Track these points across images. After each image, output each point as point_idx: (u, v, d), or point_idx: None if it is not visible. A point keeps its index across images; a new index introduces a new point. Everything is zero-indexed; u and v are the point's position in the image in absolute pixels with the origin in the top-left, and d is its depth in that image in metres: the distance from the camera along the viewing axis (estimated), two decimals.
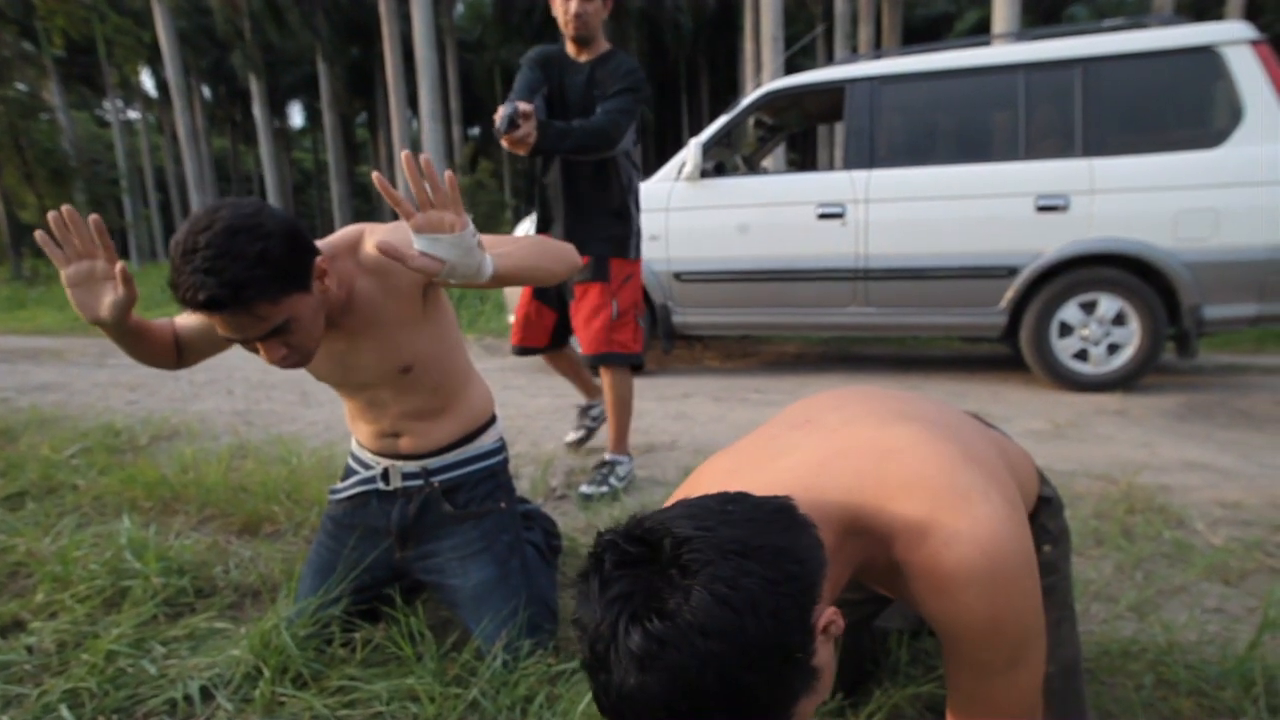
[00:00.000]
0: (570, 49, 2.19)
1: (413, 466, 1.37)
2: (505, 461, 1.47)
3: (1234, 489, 2.19)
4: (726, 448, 0.95)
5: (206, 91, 27.82)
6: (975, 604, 0.70)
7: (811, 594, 0.62)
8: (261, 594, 1.61)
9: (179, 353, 1.31)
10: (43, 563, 1.67)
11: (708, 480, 0.89)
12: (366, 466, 1.41)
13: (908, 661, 1.25)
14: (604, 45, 2.19)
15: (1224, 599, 1.52)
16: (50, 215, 1.07)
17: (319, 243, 1.19)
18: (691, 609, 0.56)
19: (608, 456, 2.38)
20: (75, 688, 1.25)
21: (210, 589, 1.63)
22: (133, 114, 29.20)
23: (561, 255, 1.30)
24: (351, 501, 1.41)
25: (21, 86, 16.56)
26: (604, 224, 2.25)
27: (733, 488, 0.76)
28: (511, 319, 4.58)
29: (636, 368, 2.36)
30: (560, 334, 2.52)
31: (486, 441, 1.43)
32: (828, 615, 0.63)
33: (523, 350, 2.52)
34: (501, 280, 1.16)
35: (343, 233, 1.25)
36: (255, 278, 0.99)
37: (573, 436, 2.77)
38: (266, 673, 1.24)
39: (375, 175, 1.04)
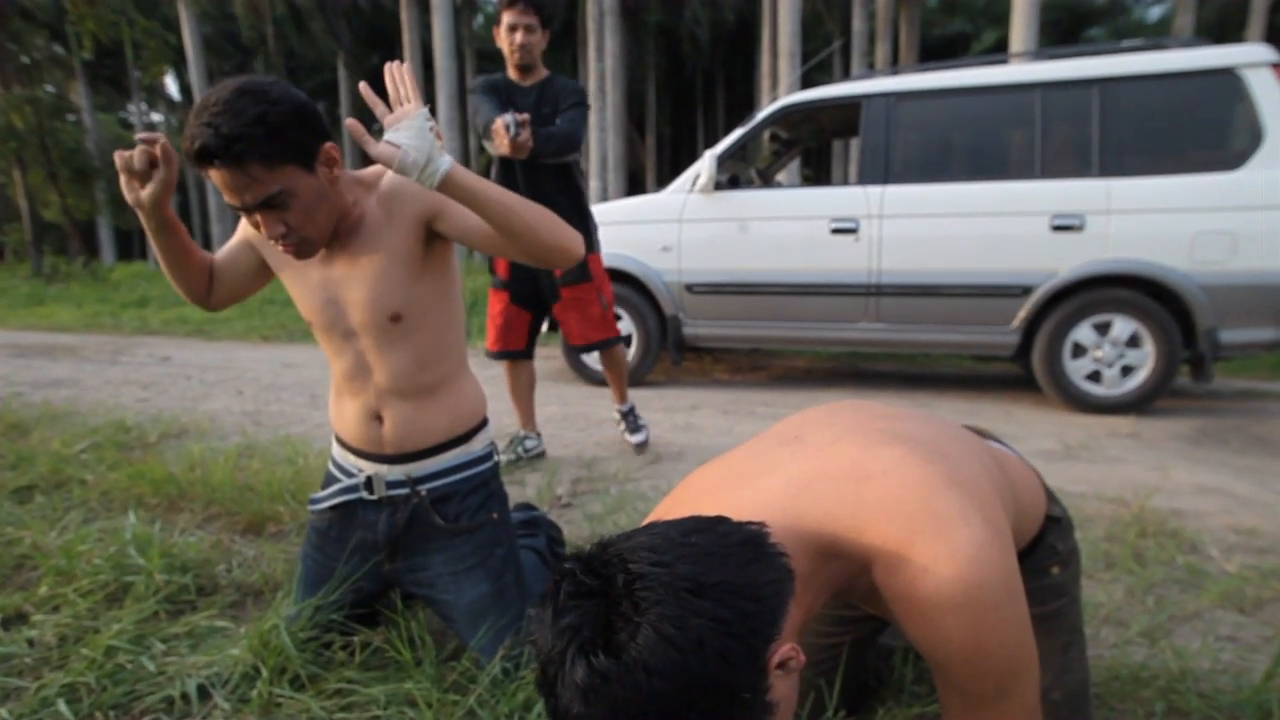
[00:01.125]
0: (515, 75, 2.48)
1: (398, 474, 1.32)
2: (496, 468, 1.42)
3: (1249, 515, 2.15)
4: (717, 458, 0.95)
5: None
6: (955, 632, 0.69)
7: (767, 632, 0.63)
8: (263, 594, 1.61)
9: (211, 284, 1.36)
10: (48, 556, 1.68)
11: (695, 491, 0.89)
12: (349, 474, 1.36)
13: (912, 680, 1.23)
14: (544, 71, 2.50)
15: (1238, 627, 1.49)
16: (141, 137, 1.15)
17: (355, 172, 1.25)
18: (637, 646, 0.58)
19: (623, 407, 2.87)
20: (74, 682, 1.25)
21: (212, 587, 1.63)
22: (156, 117, 29.65)
23: (560, 230, 1.21)
24: (335, 512, 1.36)
25: (50, 88, 16.88)
26: (576, 222, 2.49)
27: (716, 503, 0.78)
28: None
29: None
30: (532, 337, 2.73)
31: (476, 447, 1.37)
32: (784, 651, 0.64)
33: (503, 354, 2.70)
34: (461, 191, 1.11)
35: (374, 167, 1.29)
36: (249, 135, 1.03)
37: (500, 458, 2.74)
38: (265, 673, 1.24)
39: (362, 85, 1.13)
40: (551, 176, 2.46)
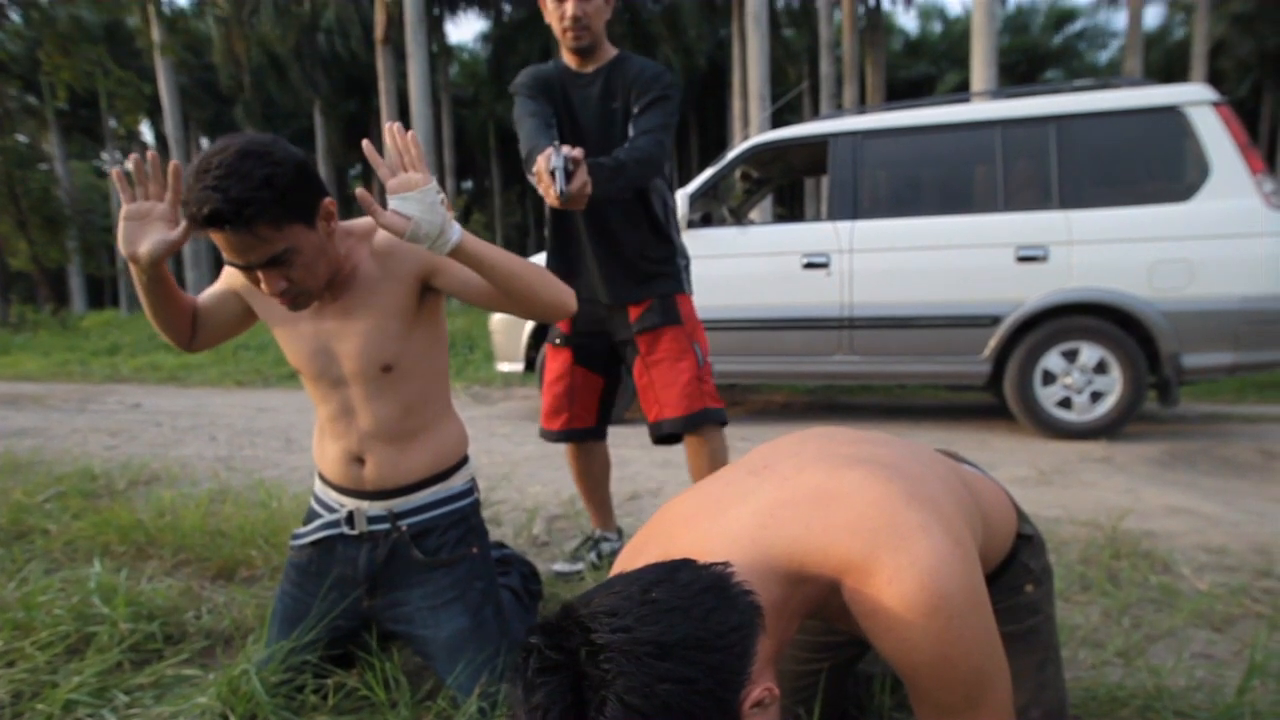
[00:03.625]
0: (571, 61, 1.79)
1: (379, 509, 1.32)
2: (477, 504, 1.42)
3: (1218, 535, 2.19)
4: (691, 488, 0.96)
5: (205, 143, 28.31)
6: (921, 641, 0.70)
7: (735, 681, 0.65)
8: (234, 640, 1.57)
9: (194, 328, 1.35)
10: (4, 609, 1.61)
11: (668, 523, 0.90)
12: (331, 509, 1.36)
13: (892, 706, 1.22)
14: (610, 51, 1.80)
15: (1211, 644, 1.51)
16: (133, 157, 1.15)
17: (343, 223, 1.26)
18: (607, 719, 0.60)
19: None
20: None
21: (180, 635, 1.58)
22: (130, 167, 29.52)
23: (555, 288, 1.24)
24: (316, 548, 1.36)
25: (22, 138, 16.81)
26: (656, 259, 1.82)
27: (689, 534, 0.81)
28: (503, 367, 4.56)
29: (723, 424, 1.85)
30: (605, 411, 1.99)
31: (457, 483, 1.38)
32: (757, 695, 0.66)
33: (567, 435, 1.94)
34: (470, 258, 1.15)
35: (363, 219, 1.29)
36: (259, 198, 1.04)
37: (562, 568, 1.99)
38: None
39: (365, 143, 1.13)
40: (618, 207, 1.79)
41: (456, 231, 1.12)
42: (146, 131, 26.94)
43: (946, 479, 0.87)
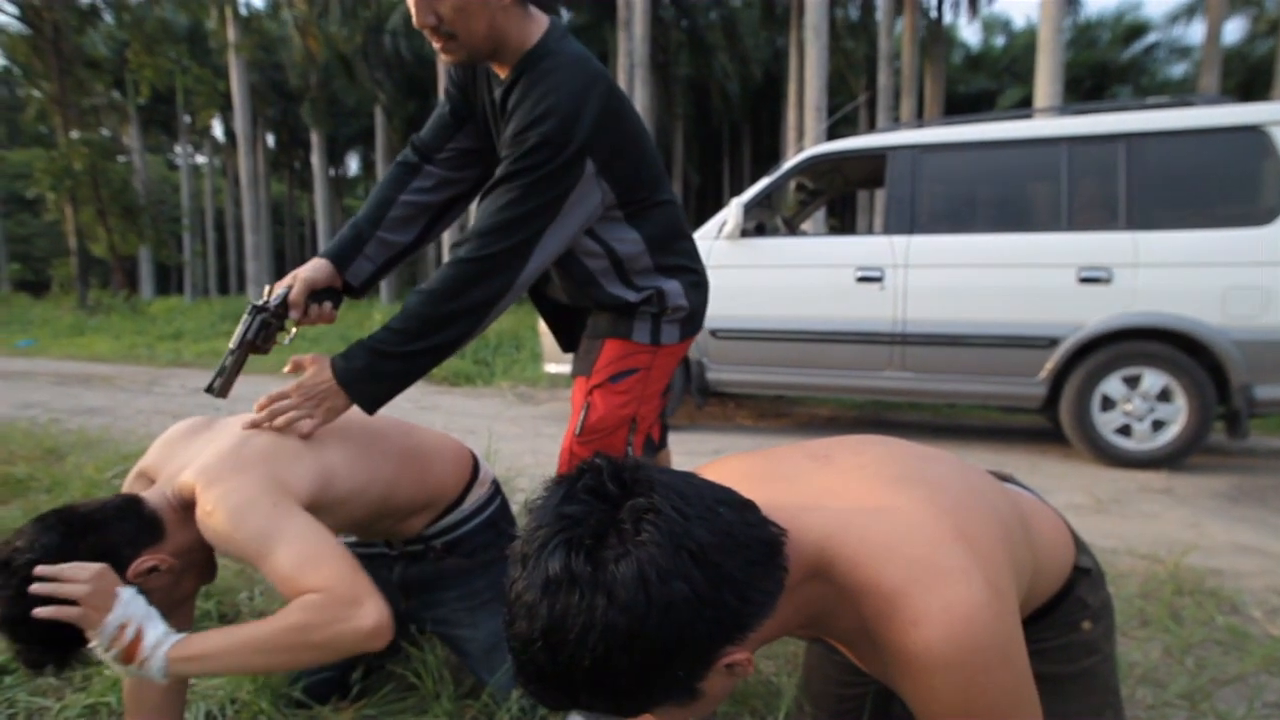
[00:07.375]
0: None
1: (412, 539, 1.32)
2: (502, 505, 1.39)
3: None
4: (741, 454, 0.94)
5: (270, 139, 29.37)
6: (941, 691, 0.66)
7: (732, 633, 0.64)
8: None
9: None
10: None
11: (718, 474, 0.86)
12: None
13: None
14: (529, 41, 1.22)
15: None
16: None
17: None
18: (616, 571, 0.59)
19: None
20: (95, 703, 1.26)
21: (234, 614, 1.64)
22: (200, 159, 30.87)
23: (325, 640, 0.95)
24: (351, 547, 1.34)
25: (105, 131, 17.72)
26: (588, 296, 1.44)
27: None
28: (550, 368, 4.61)
29: None
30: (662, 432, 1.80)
31: (471, 501, 1.33)
32: (738, 657, 0.65)
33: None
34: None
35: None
36: None
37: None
38: (264, 705, 1.24)
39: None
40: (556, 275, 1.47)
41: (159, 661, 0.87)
42: (217, 126, 28.10)
43: (1001, 513, 0.83)
